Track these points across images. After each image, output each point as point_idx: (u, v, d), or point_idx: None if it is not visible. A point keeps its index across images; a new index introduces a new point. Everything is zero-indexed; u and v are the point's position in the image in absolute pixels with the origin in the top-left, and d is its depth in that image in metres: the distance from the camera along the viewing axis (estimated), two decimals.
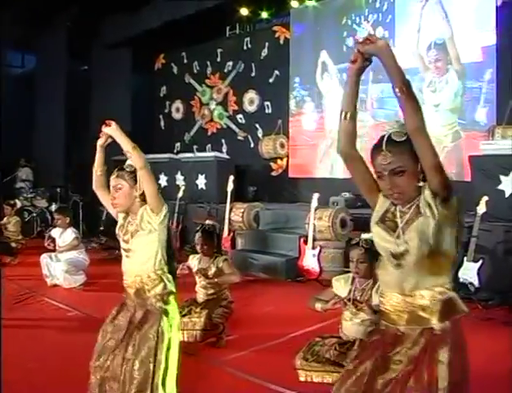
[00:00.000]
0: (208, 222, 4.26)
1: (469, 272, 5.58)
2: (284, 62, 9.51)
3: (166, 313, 2.45)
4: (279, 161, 9.81)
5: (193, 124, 11.22)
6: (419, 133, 1.76)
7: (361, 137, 8.46)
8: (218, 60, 10.86)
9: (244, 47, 10.35)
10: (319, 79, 9.15)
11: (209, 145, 10.74)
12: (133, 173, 2.46)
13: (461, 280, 5.51)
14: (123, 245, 2.53)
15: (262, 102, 10.02)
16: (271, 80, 9.82)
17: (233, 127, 10.62)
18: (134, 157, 2.40)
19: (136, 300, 2.49)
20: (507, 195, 5.99)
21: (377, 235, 1.97)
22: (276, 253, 6.96)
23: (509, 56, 7.30)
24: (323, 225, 6.55)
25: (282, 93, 9.61)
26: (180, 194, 8.35)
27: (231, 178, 7.65)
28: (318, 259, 6.38)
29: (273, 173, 9.92)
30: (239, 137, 10.50)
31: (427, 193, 1.85)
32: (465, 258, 5.54)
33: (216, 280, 4.02)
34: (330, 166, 8.99)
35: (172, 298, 2.50)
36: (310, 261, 6.41)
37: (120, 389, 2.36)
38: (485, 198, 5.63)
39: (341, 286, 3.29)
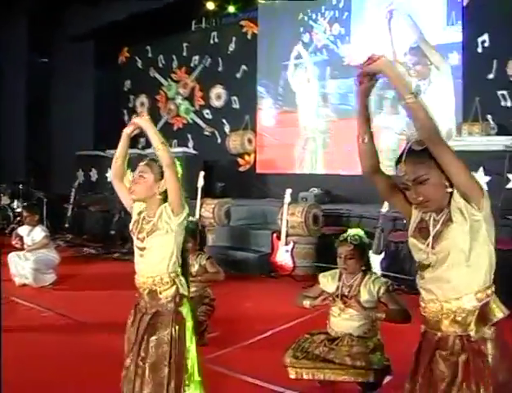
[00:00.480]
0: (190, 218, 4.22)
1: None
2: (251, 57, 9.50)
3: (179, 316, 2.41)
4: (246, 157, 9.80)
5: (158, 119, 11.06)
6: (433, 142, 1.77)
7: (324, 132, 8.74)
8: (184, 54, 10.75)
9: (211, 42, 10.28)
10: (290, 75, 9.18)
11: (175, 140, 10.61)
12: (161, 167, 2.39)
13: None
14: (137, 243, 2.45)
15: (229, 97, 9.98)
16: (238, 75, 9.79)
17: (199, 122, 10.54)
18: (162, 153, 2.32)
19: (149, 301, 2.42)
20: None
21: (412, 245, 1.97)
22: (248, 249, 6.96)
23: (473, 54, 7.51)
24: (296, 221, 6.58)
25: (250, 88, 9.60)
26: None
27: (202, 173, 7.60)
28: (291, 255, 6.42)
29: (241, 169, 9.91)
30: (205, 133, 10.43)
31: (457, 199, 1.84)
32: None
33: (199, 278, 3.98)
34: (299, 162, 9.05)
35: (185, 301, 2.44)
36: (283, 257, 6.44)
37: None
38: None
39: (328, 283, 3.31)
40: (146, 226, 2.40)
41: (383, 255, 6.14)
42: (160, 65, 11.20)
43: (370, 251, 6.08)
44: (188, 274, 2.59)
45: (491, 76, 7.39)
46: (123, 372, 2.43)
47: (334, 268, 3.40)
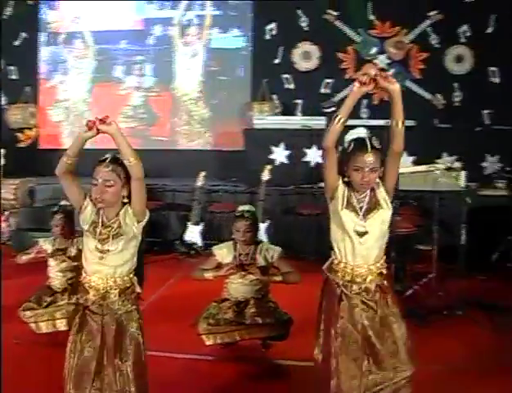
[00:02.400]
0: (65, 202, 4.06)
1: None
2: (33, 25, 8.84)
3: (137, 313, 2.48)
4: (28, 132, 9.16)
5: None
6: (399, 156, 2.42)
7: None
8: None
9: None
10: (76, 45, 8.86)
11: None
12: (127, 171, 2.35)
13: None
14: (96, 244, 2.40)
15: (5, 67, 9.12)
16: (17, 43, 9.00)
17: None
18: (135, 167, 2.29)
19: (100, 301, 2.43)
20: (278, 163, 7.03)
21: (346, 216, 2.48)
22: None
23: (262, 40, 8.37)
24: None
25: (30, 58, 8.95)
26: None
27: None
28: None
29: (22, 145, 9.22)
30: None
31: (382, 190, 2.50)
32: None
33: (77, 264, 3.89)
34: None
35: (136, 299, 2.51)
36: None
37: None
38: (268, 167, 6.53)
39: (225, 254, 3.64)
40: (111, 230, 2.40)
41: (201, 225, 6.61)
42: None
43: (189, 223, 6.56)
44: (142, 272, 2.62)
45: (277, 61, 8.36)
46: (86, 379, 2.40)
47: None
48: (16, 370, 3.35)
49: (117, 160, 2.38)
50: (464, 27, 7.93)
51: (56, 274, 3.96)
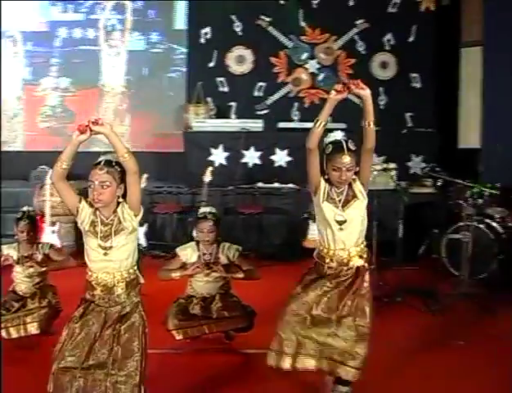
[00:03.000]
0: (27, 208, 4.13)
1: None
2: None
3: (140, 304, 2.70)
4: None
5: None
6: (371, 152, 2.83)
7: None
8: None
9: None
10: None
11: None
12: (121, 172, 2.54)
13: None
14: (99, 242, 2.58)
15: None
16: None
17: None
18: (128, 161, 2.48)
19: (108, 295, 2.62)
20: (217, 164, 7.32)
21: (327, 208, 2.84)
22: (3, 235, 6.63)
23: (197, 44, 8.60)
24: (55, 201, 6.61)
25: None
26: None
27: None
28: (58, 235, 6.48)
29: None
30: None
31: (358, 183, 2.91)
32: None
33: (43, 268, 3.98)
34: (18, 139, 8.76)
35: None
36: (50, 238, 6.42)
37: (108, 378, 2.56)
38: (210, 168, 6.79)
39: (190, 254, 3.89)
40: (112, 227, 2.59)
41: (145, 226, 6.75)
42: None
43: None
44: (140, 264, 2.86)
45: (211, 64, 8.63)
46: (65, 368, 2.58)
47: None
48: None
49: (110, 163, 2.58)
50: (389, 36, 8.58)
51: (22, 280, 4.02)
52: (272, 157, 7.48)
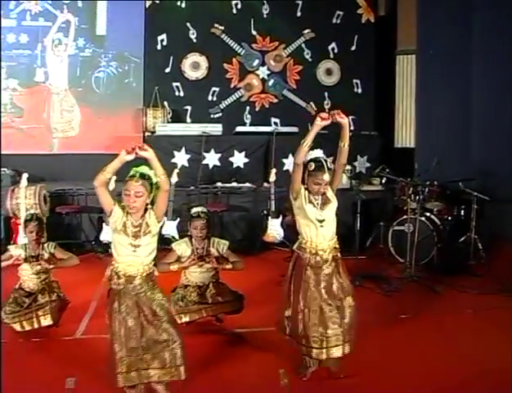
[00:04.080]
0: (33, 211, 4.63)
1: (170, 228, 7.31)
2: None
3: (157, 287, 3.36)
4: None
5: None
6: (344, 167, 3.64)
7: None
8: None
9: None
10: None
11: None
12: (150, 184, 3.18)
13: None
14: (130, 241, 3.19)
15: None
16: None
17: None
18: (164, 181, 3.14)
19: (130, 285, 3.23)
20: (179, 166, 7.93)
21: (309, 209, 3.58)
22: None
23: (154, 50, 9.15)
24: (29, 203, 7.01)
25: None
26: None
27: None
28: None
29: None
30: None
31: (330, 190, 3.65)
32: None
33: (51, 266, 4.49)
34: None
35: None
36: (24, 240, 6.83)
37: (164, 348, 3.24)
38: (177, 170, 7.40)
39: (184, 249, 4.53)
40: (141, 229, 3.21)
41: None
42: None
43: (104, 224, 7.20)
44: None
45: (167, 70, 9.22)
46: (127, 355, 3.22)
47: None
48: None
49: (144, 176, 3.21)
50: (333, 44, 9.51)
51: (30, 277, 4.51)
52: (231, 159, 8.17)
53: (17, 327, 4.36)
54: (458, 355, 4.08)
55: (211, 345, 4.28)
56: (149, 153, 3.14)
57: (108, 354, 3.32)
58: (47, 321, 4.39)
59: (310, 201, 3.61)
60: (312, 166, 3.55)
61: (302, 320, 3.61)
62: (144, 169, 3.27)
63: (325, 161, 3.55)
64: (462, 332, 4.55)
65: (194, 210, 4.65)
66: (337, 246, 3.70)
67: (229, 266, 4.52)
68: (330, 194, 3.65)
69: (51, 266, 4.49)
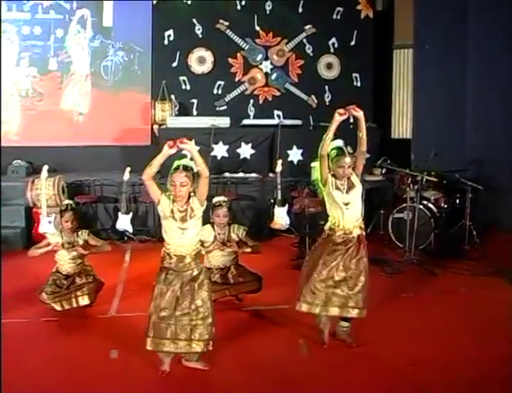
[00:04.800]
0: (68, 201, 5.14)
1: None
2: None
3: (203, 267, 3.90)
4: None
5: None
6: (364, 153, 4.10)
7: None
8: None
9: None
10: None
11: None
12: (193, 174, 3.66)
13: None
14: (177, 224, 3.68)
15: None
16: None
17: None
18: (204, 170, 3.62)
19: (181, 263, 3.74)
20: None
21: (336, 194, 4.10)
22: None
23: (161, 45, 9.59)
24: (48, 193, 7.48)
25: None
26: None
27: None
28: (54, 225, 7.36)
29: None
30: None
31: (354, 175, 4.15)
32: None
33: (87, 252, 4.99)
34: None
35: None
36: (46, 228, 7.29)
37: (190, 322, 3.74)
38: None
39: (207, 235, 5.02)
40: (187, 213, 3.69)
41: (131, 214, 7.75)
42: None
43: (120, 213, 7.68)
44: None
45: (174, 64, 9.67)
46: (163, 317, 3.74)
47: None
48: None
49: (187, 168, 3.70)
50: (333, 40, 9.99)
51: (67, 262, 5.02)
52: (238, 150, 8.67)
53: (57, 306, 4.86)
54: (454, 328, 4.65)
55: (234, 321, 4.79)
56: (189, 145, 3.64)
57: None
58: (84, 301, 4.90)
59: (337, 187, 4.11)
60: (335, 153, 4.06)
61: (316, 279, 4.16)
62: (186, 161, 3.77)
63: (345, 146, 4.06)
64: (458, 309, 5.12)
65: (215, 199, 5.15)
66: (362, 225, 4.23)
67: (248, 249, 5.03)
68: (355, 179, 4.15)
69: (87, 252, 4.98)
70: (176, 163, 3.76)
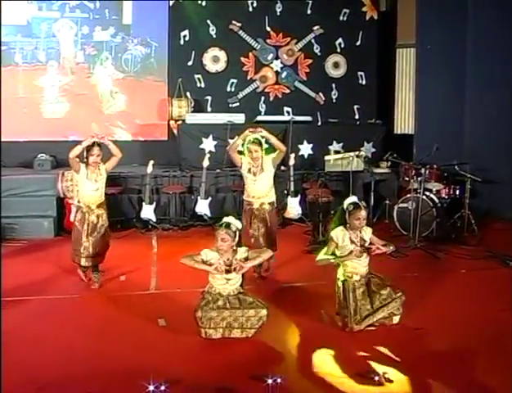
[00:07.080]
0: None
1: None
2: None
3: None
4: None
5: None
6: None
7: None
8: None
9: None
10: None
11: None
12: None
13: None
14: (252, 177, 5.34)
15: None
16: None
17: None
18: (277, 144, 5.27)
19: (261, 207, 5.41)
20: (207, 151, 9.13)
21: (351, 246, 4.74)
22: (31, 215, 8.12)
23: (177, 45, 10.30)
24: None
25: None
26: None
27: None
28: None
29: None
30: None
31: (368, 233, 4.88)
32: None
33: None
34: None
35: None
36: None
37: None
38: (208, 155, 8.61)
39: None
40: (255, 168, 5.29)
41: (154, 204, 8.47)
42: None
43: (144, 203, 8.40)
44: None
45: (190, 63, 10.40)
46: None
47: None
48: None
49: (260, 143, 5.23)
50: (340, 40, 10.74)
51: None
52: None
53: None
54: (455, 302, 5.42)
55: (263, 296, 5.52)
56: (264, 132, 5.25)
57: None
58: None
59: (352, 241, 4.71)
60: (352, 206, 4.70)
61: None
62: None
63: (360, 201, 4.75)
64: (458, 286, 5.91)
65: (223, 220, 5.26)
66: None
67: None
68: (369, 237, 4.85)
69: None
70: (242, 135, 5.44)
